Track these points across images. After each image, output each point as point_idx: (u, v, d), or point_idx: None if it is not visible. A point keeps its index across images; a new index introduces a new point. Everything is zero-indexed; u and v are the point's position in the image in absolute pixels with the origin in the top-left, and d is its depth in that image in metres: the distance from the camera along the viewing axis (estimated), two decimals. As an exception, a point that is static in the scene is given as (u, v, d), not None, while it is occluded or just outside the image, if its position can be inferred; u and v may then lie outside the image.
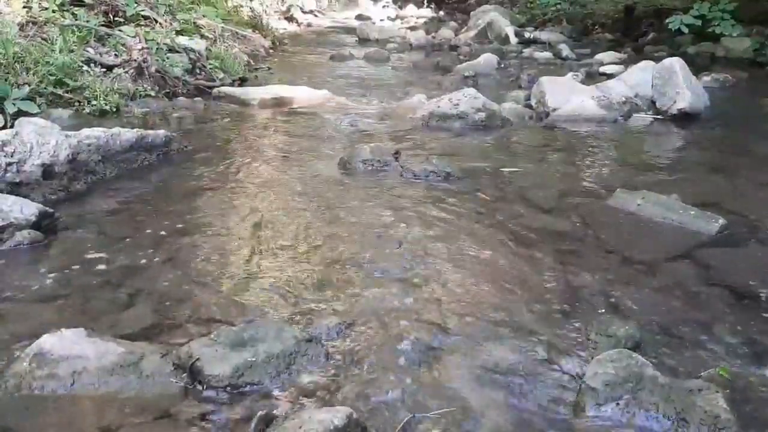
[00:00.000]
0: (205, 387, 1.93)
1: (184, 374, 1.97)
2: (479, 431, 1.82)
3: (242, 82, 6.92)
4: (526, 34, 11.88)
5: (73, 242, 2.94)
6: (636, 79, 6.19)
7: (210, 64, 6.89)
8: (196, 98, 6.00)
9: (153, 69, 5.87)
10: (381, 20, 16.04)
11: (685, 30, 9.59)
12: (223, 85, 6.49)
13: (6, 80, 4.62)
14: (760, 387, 2.04)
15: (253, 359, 1.99)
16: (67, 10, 6.26)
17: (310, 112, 5.80)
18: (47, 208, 3.02)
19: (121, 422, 1.81)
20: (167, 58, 6.29)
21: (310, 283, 2.63)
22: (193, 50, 6.78)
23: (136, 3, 7.00)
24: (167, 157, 4.17)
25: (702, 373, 2.04)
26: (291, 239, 3.05)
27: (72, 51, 5.46)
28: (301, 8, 15.27)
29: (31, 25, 5.71)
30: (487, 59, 8.75)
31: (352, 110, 5.91)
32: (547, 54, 10.04)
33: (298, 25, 13.94)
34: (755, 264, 2.91)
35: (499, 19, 11.99)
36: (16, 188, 3.23)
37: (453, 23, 14.19)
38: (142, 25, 6.81)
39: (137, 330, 2.25)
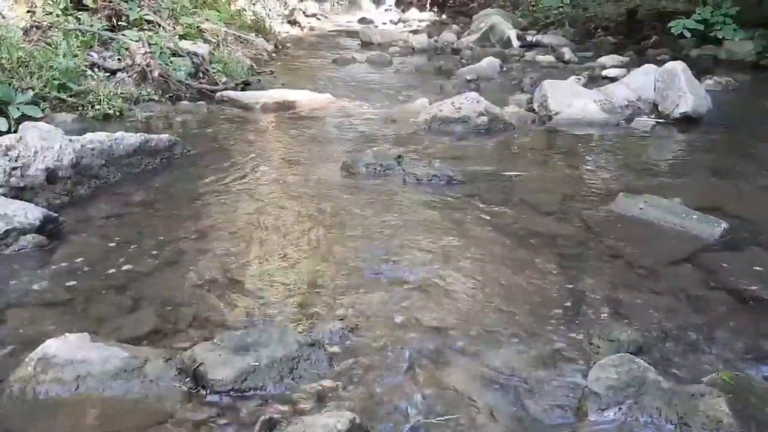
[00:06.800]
0: (208, 391, 1.94)
1: (188, 379, 1.98)
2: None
3: (245, 85, 6.92)
4: (528, 38, 11.85)
5: (77, 247, 2.95)
6: (638, 82, 6.18)
7: (213, 67, 6.89)
8: (199, 102, 6.01)
9: (156, 73, 5.89)
10: (383, 24, 16.03)
11: (688, 34, 9.58)
12: (226, 88, 6.49)
13: (10, 84, 4.64)
14: (763, 392, 2.03)
15: (257, 364, 2.00)
16: (71, 15, 6.29)
17: (312, 115, 5.81)
18: (51, 213, 3.03)
19: (125, 426, 1.82)
20: (170, 62, 6.31)
21: (313, 288, 2.63)
22: (196, 54, 6.80)
23: (139, 7, 7.03)
24: (171, 162, 4.18)
25: (704, 378, 2.04)
26: (294, 243, 3.06)
27: (75, 55, 5.49)
28: (303, 12, 15.29)
29: (34, 29, 5.74)
30: (489, 63, 8.75)
31: (355, 114, 5.92)
32: (550, 57, 10.02)
33: (301, 28, 13.94)
34: (758, 268, 2.90)
35: (501, 23, 11.98)
36: (20, 193, 3.24)
37: (455, 27, 14.16)
38: (146, 29, 6.84)
39: (141, 334, 2.26)
